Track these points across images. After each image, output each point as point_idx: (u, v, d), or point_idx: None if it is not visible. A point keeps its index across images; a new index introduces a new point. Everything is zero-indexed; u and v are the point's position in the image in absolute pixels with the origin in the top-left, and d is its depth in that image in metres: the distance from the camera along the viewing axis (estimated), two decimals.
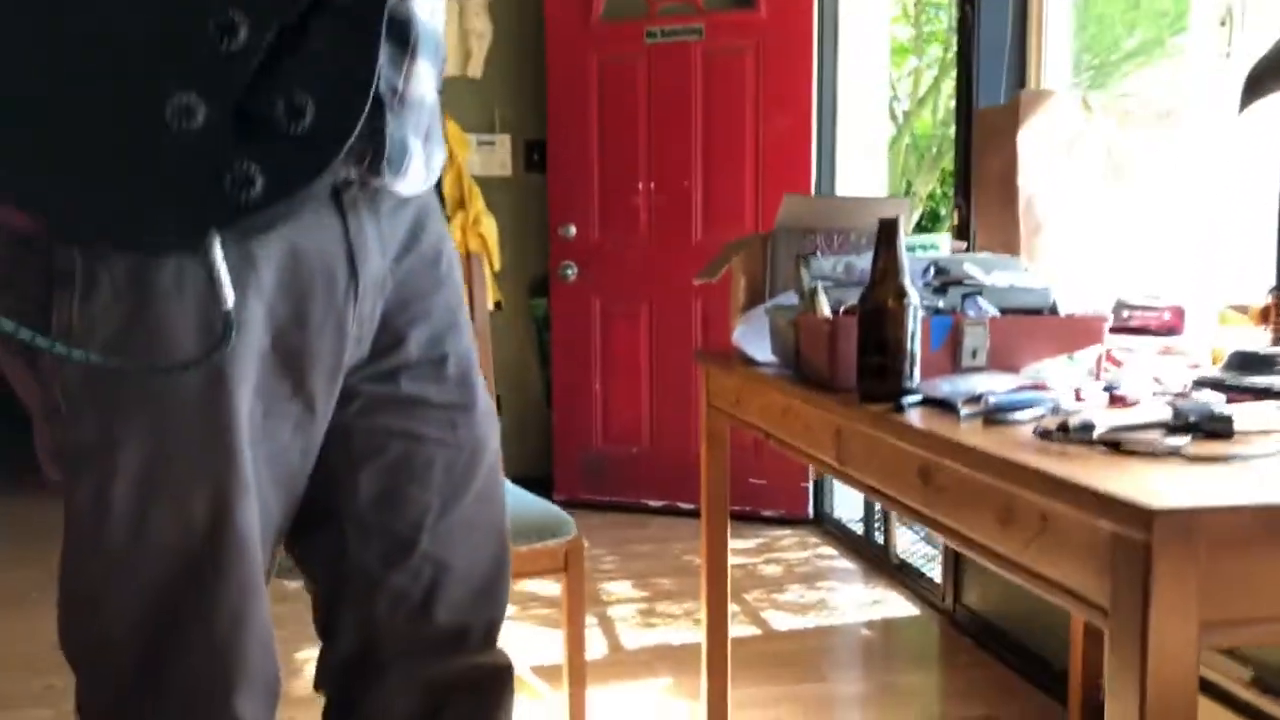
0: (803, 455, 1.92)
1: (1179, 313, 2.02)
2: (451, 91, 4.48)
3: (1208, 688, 2.30)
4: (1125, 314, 2.09)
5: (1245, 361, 1.60)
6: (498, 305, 4.55)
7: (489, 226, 4.40)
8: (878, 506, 3.91)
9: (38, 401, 1.04)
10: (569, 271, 4.44)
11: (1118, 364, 1.80)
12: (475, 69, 4.48)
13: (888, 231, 1.62)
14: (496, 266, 4.49)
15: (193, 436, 1.04)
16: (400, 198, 1.16)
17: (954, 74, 3.45)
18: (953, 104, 3.24)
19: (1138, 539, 1.01)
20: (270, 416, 1.08)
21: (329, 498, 1.19)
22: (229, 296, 0.93)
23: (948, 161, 5.25)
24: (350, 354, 1.13)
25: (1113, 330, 1.93)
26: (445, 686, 1.26)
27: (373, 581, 1.21)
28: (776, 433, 2.03)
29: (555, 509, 2.34)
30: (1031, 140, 2.26)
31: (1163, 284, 2.14)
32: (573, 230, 4.41)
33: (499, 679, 1.31)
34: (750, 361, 2.20)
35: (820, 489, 4.33)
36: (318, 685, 1.30)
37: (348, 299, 1.11)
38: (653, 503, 4.39)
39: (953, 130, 3.07)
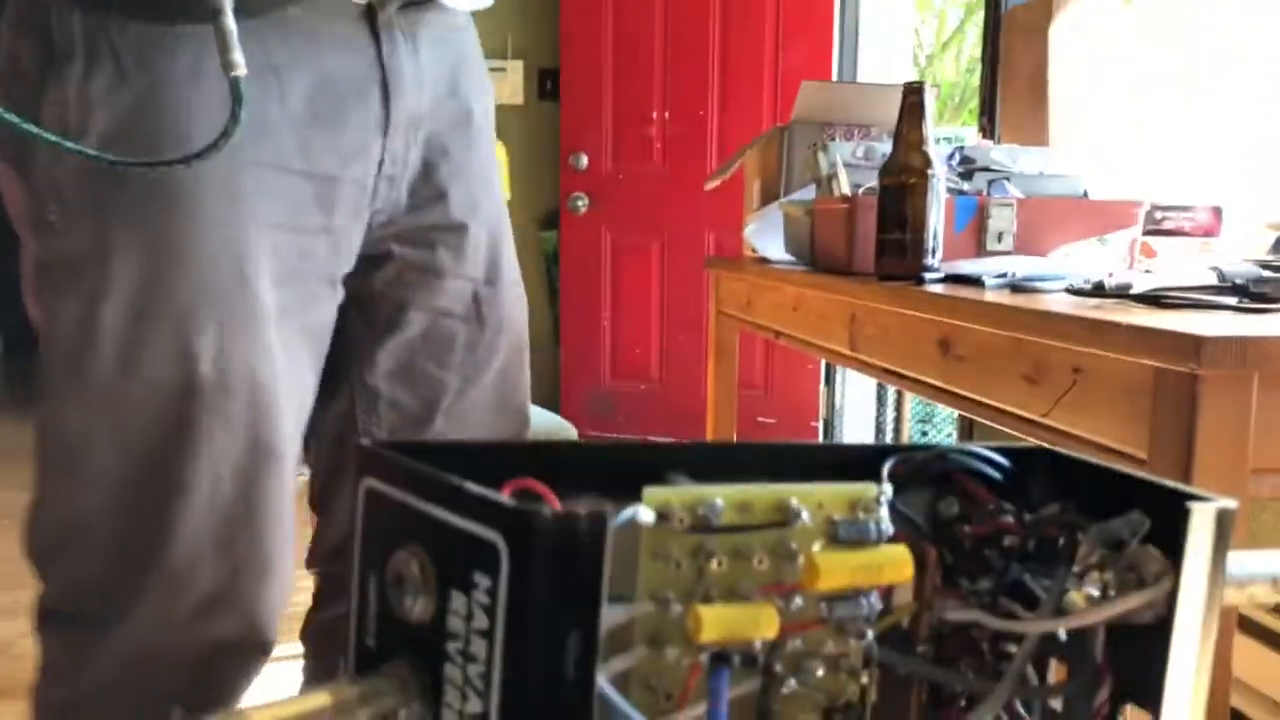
0: (813, 348, 1.83)
1: (1216, 213, 1.91)
2: None
3: (1247, 624, 2.21)
4: (1159, 216, 1.98)
5: None
6: None
7: (500, 156, 4.29)
8: (887, 439, 3.80)
9: (27, 216, 0.92)
10: (580, 203, 4.34)
11: (1152, 253, 1.69)
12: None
13: (912, 99, 1.52)
14: (507, 197, 4.38)
15: (200, 257, 0.90)
16: (443, 16, 1.05)
17: (980, 18, 3.32)
18: (977, 52, 3.11)
19: (1183, 372, 0.91)
20: (302, 258, 0.97)
21: (344, 366, 1.09)
22: (239, 62, 0.78)
23: (973, 108, 5.12)
24: (384, 195, 1.03)
25: (1145, 233, 1.82)
26: None
27: None
28: (787, 330, 1.93)
29: (558, 419, 2.25)
30: (1065, 36, 2.14)
31: (1200, 192, 2.03)
32: (584, 160, 4.30)
33: None
34: (763, 261, 2.10)
35: (829, 428, 4.23)
36: (310, 564, 1.19)
37: (379, 129, 1.00)
38: (661, 440, 4.30)
39: (977, 77, 2.95)
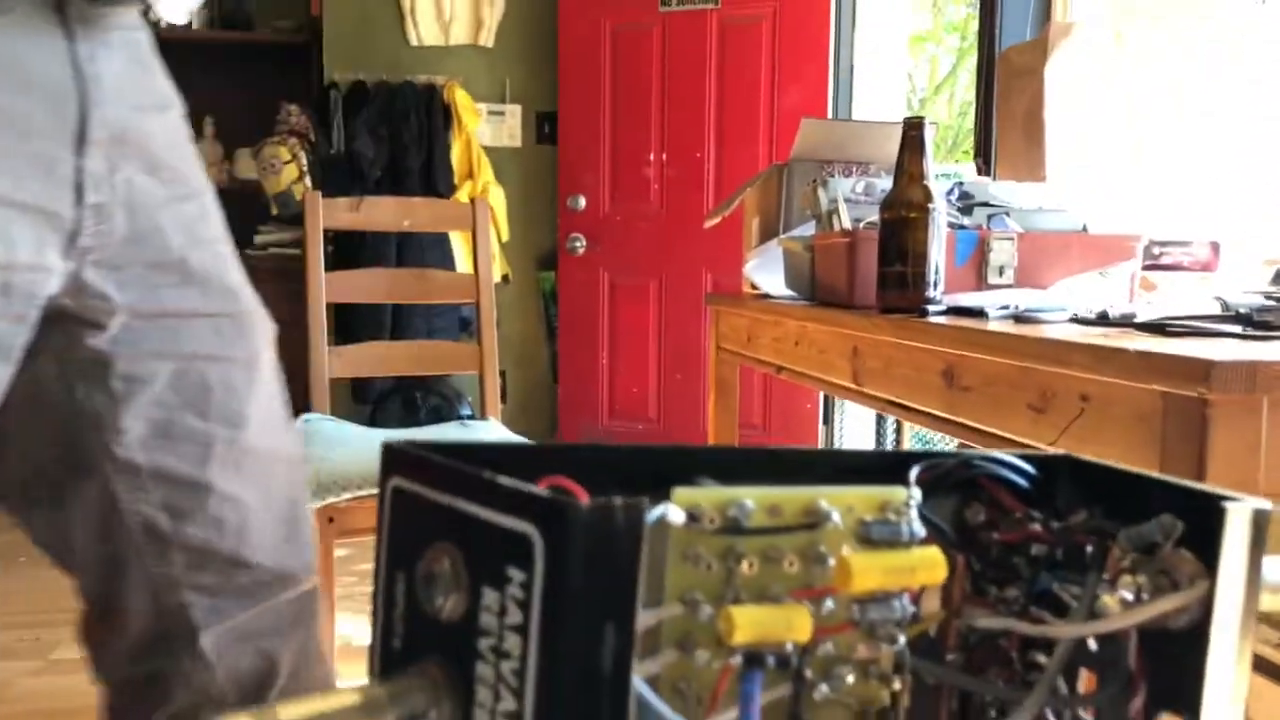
0: (816, 382, 1.82)
1: (1215, 248, 1.91)
2: (462, 60, 4.40)
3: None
4: (1157, 251, 1.99)
5: None
6: (505, 279, 4.46)
7: (497, 198, 4.31)
8: None
9: None
10: (577, 244, 4.35)
11: (1152, 287, 1.70)
12: (487, 38, 4.40)
13: (913, 133, 1.53)
14: (504, 238, 4.39)
15: None
16: (128, 13, 0.89)
17: (972, 62, 3.35)
18: (970, 95, 3.13)
19: (1193, 396, 0.91)
20: None
21: (85, 447, 0.94)
22: None
23: (966, 149, 5.15)
24: (87, 223, 0.86)
25: (1144, 268, 1.82)
26: (274, 631, 1.02)
27: (162, 539, 0.97)
28: (789, 364, 1.93)
29: None
30: (1059, 75, 2.15)
31: (1197, 227, 2.04)
32: (582, 202, 4.32)
33: (314, 599, 1.07)
34: (763, 296, 2.10)
35: None
36: (101, 675, 1.03)
37: (73, 144, 0.83)
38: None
39: (969, 120, 2.96)
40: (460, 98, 4.28)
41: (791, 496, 0.38)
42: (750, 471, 0.39)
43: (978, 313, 1.42)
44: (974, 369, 1.29)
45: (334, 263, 3.65)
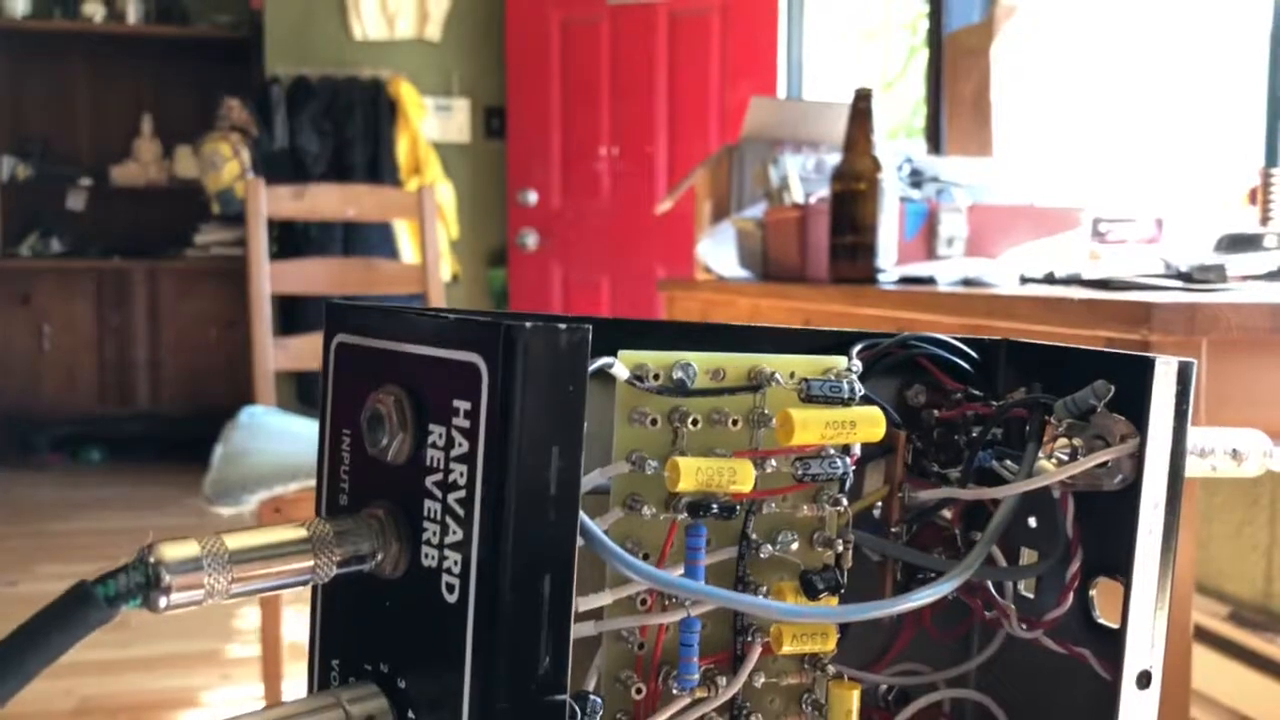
0: None
1: (1158, 224, 1.95)
2: (409, 54, 4.38)
3: (1205, 636, 2.23)
4: (1103, 228, 2.02)
5: (1234, 242, 1.53)
6: (454, 277, 4.44)
7: (445, 194, 4.30)
8: None
9: None
10: (528, 240, 4.34)
11: (1097, 258, 1.72)
12: (434, 31, 4.39)
13: (861, 105, 1.54)
14: (454, 236, 4.38)
15: None
16: None
17: (923, 58, 3.39)
18: (921, 92, 3.16)
19: (1135, 339, 0.93)
20: None
21: None
22: None
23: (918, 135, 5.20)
24: None
25: (1091, 242, 1.85)
26: None
27: None
28: None
29: None
30: (1006, 56, 2.18)
31: (1142, 203, 2.07)
32: (532, 196, 4.32)
33: None
34: (716, 279, 2.12)
35: None
36: None
37: None
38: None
39: (922, 119, 3.00)
40: (406, 92, 4.26)
41: (735, 360, 0.39)
42: (694, 344, 0.40)
43: (928, 280, 1.43)
44: (926, 329, 1.30)
45: (278, 259, 3.62)
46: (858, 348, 0.43)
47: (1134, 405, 0.40)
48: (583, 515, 0.32)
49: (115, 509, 4.06)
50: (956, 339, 0.46)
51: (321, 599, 0.36)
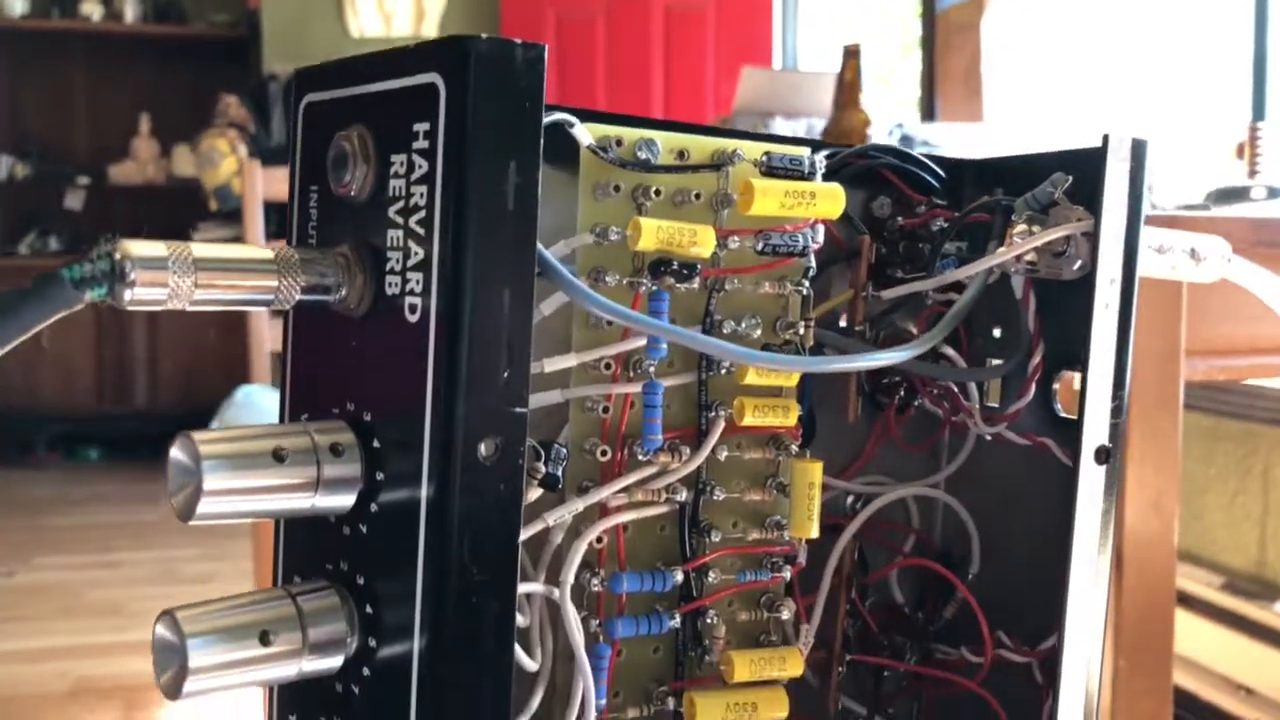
0: None
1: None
2: None
3: (1179, 598, 2.24)
4: None
5: (1222, 195, 1.54)
6: None
7: None
8: None
9: None
10: None
11: None
12: (430, 28, 4.41)
13: (852, 60, 1.56)
14: None
15: None
16: None
17: (916, 58, 3.42)
18: (916, 92, 3.19)
19: None
20: None
21: None
22: None
23: None
24: None
25: None
26: None
27: None
28: None
29: None
30: (996, 29, 2.20)
31: None
32: None
33: None
34: None
35: None
36: None
37: None
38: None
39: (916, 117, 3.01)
40: None
41: (699, 141, 0.39)
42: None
43: None
44: None
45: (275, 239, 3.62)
46: (823, 154, 0.43)
47: (1093, 198, 0.41)
48: (541, 248, 0.32)
49: (112, 504, 4.06)
50: (926, 156, 0.46)
51: (292, 339, 0.37)
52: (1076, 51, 2.10)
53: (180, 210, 4.66)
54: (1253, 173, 1.52)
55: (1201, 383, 1.92)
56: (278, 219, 4.05)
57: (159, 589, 3.00)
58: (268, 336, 2.34)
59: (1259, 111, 1.76)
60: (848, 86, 1.52)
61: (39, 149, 4.68)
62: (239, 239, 4.15)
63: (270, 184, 2.33)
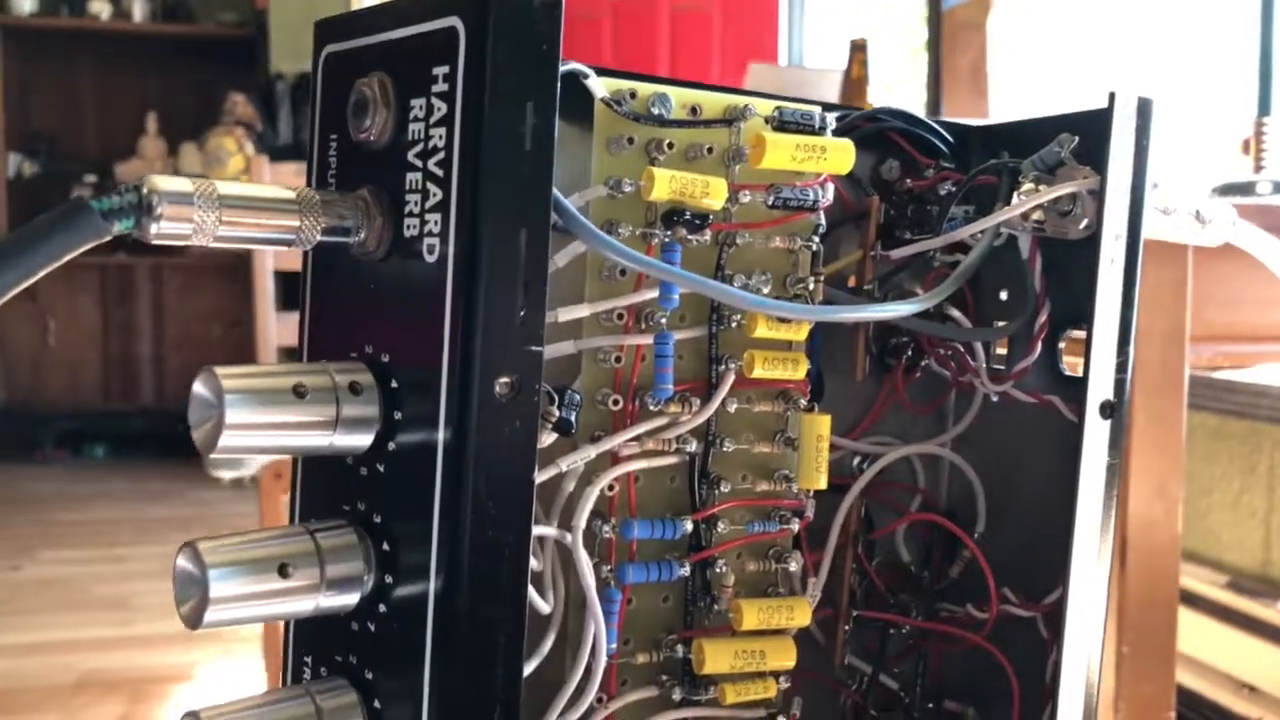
0: None
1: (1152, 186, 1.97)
2: None
3: (1184, 597, 2.24)
4: None
5: (1228, 190, 1.55)
6: None
7: None
8: None
9: None
10: None
11: None
12: None
13: (859, 55, 1.56)
14: None
15: None
16: None
17: (923, 61, 3.44)
18: (922, 96, 3.20)
19: None
20: None
21: None
22: None
23: None
24: None
25: None
26: None
27: None
28: None
29: None
30: (1002, 26, 2.21)
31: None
32: None
33: None
34: None
35: None
36: None
37: None
38: None
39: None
40: None
41: (712, 97, 0.40)
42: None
43: None
44: None
45: None
46: (833, 115, 0.44)
47: (1100, 158, 0.41)
48: (557, 193, 0.33)
49: (118, 501, 4.07)
50: (936, 121, 0.47)
51: (311, 283, 0.37)
52: (1082, 48, 2.11)
53: None
54: (1258, 167, 1.53)
55: (1206, 380, 1.92)
56: None
57: (164, 584, 3.00)
58: (274, 332, 2.35)
59: (1265, 107, 1.76)
60: (854, 81, 1.53)
61: (47, 147, 4.70)
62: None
63: (277, 181, 2.34)
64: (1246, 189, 1.49)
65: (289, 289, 4.01)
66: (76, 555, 3.29)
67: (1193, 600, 2.20)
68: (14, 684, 2.37)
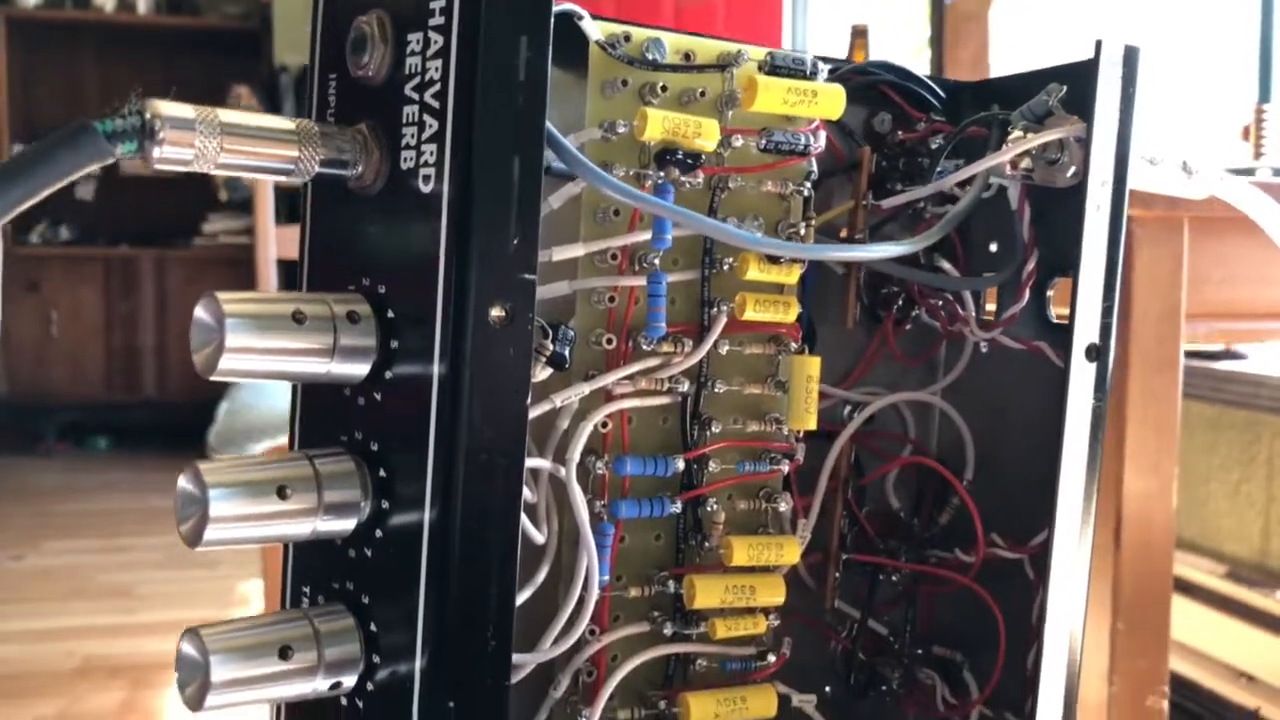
0: None
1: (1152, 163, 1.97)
2: None
3: (1182, 586, 2.24)
4: None
5: None
6: None
7: None
8: None
9: None
10: None
11: None
12: None
13: (859, 40, 1.57)
14: None
15: None
16: None
17: (926, 58, 3.44)
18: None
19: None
20: None
21: None
22: None
23: None
24: None
25: None
26: None
27: None
28: None
29: None
30: (1003, 19, 2.21)
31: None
32: None
33: None
34: None
35: None
36: None
37: None
38: None
39: None
40: None
41: (706, 44, 0.41)
42: None
43: None
44: None
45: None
46: (826, 67, 0.45)
47: (1088, 107, 0.42)
48: (552, 128, 0.34)
49: (120, 492, 4.08)
50: (928, 77, 0.48)
51: (310, 217, 0.38)
52: (1083, 39, 2.11)
53: (190, 201, 4.68)
54: (1258, 154, 1.53)
55: (1205, 370, 1.93)
56: (288, 208, 4.07)
57: (167, 573, 3.01)
58: None
59: (1265, 94, 1.76)
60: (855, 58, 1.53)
61: None
62: (249, 230, 4.17)
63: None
64: (1246, 175, 1.50)
65: (291, 280, 4.01)
66: (79, 545, 3.30)
67: (1191, 590, 2.21)
68: (17, 669, 2.38)
